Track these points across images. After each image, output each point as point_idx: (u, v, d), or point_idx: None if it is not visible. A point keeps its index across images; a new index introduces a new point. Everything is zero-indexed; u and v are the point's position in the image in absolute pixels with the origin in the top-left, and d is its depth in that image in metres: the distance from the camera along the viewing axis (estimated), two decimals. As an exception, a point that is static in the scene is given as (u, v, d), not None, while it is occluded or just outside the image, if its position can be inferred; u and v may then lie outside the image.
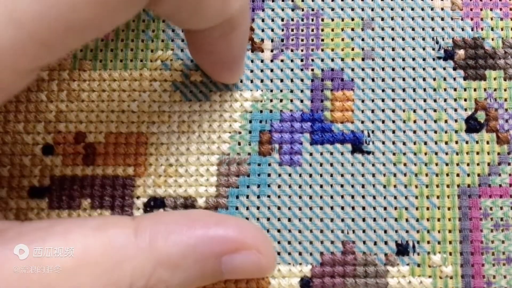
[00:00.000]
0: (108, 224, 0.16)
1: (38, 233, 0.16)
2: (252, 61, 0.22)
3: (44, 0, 0.14)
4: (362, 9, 0.22)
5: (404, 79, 0.21)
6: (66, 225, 0.16)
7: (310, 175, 0.21)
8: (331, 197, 0.21)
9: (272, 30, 0.22)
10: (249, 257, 0.17)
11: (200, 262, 0.17)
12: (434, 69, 0.21)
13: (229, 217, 0.20)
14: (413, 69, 0.21)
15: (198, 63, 0.21)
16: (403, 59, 0.21)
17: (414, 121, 0.21)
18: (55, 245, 0.15)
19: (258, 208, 0.20)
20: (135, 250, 0.16)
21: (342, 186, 0.21)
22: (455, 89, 0.21)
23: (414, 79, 0.21)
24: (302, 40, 0.22)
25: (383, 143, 0.21)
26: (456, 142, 0.21)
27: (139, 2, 0.15)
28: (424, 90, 0.21)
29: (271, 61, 0.22)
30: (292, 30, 0.22)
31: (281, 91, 0.21)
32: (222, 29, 0.18)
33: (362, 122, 0.21)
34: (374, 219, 0.20)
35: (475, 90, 0.21)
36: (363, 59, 0.22)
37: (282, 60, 0.22)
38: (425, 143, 0.21)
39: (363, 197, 0.21)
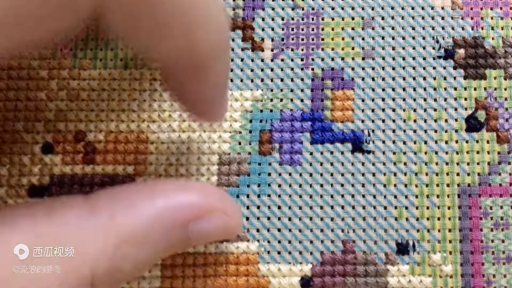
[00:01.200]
0: (58, 207, 0.15)
1: None
2: (252, 60, 0.22)
3: None
4: (363, 8, 0.22)
5: (404, 78, 0.21)
6: (13, 216, 0.15)
7: (311, 174, 0.21)
8: (332, 196, 0.21)
9: (273, 29, 0.22)
10: (215, 221, 0.17)
11: (166, 233, 0.16)
12: (434, 68, 0.21)
13: (190, 183, 0.19)
14: (414, 68, 0.21)
15: (172, 98, 0.20)
16: (404, 58, 0.21)
17: (415, 120, 0.21)
18: (4, 236, 0.14)
19: (258, 207, 0.20)
20: (93, 230, 0.15)
21: (342, 185, 0.21)
22: (455, 88, 0.21)
23: (414, 78, 0.21)
24: (303, 39, 0.22)
25: (384, 142, 0.21)
26: (456, 141, 0.21)
27: (69, 10, 0.14)
28: (425, 89, 0.21)
29: (272, 60, 0.22)
30: (293, 29, 0.22)
31: (282, 90, 0.21)
32: (189, 72, 0.16)
33: (363, 121, 0.21)
34: (375, 218, 0.20)
35: (475, 89, 0.21)
36: (363, 58, 0.22)
37: (282, 60, 0.22)
38: (425, 142, 0.21)
39: (363, 196, 0.21)
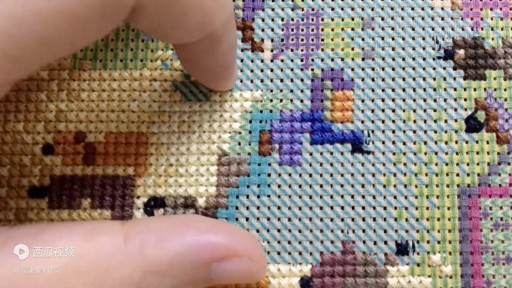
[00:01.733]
0: (98, 230, 0.16)
1: (25, 239, 0.16)
2: (252, 61, 0.22)
3: (13, 16, 0.13)
4: (362, 9, 0.22)
5: (404, 79, 0.21)
6: (54, 232, 0.16)
7: (310, 175, 0.21)
8: (331, 196, 0.21)
9: (272, 29, 0.22)
10: (239, 265, 0.17)
11: (190, 270, 0.16)
12: (434, 68, 0.21)
13: (221, 223, 0.19)
14: (413, 68, 0.21)
15: (190, 74, 0.21)
16: (403, 59, 0.21)
17: (414, 121, 0.21)
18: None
19: (258, 207, 0.21)
20: (124, 257, 0.16)
21: (342, 185, 0.21)
22: (455, 89, 0.21)
23: (414, 79, 0.21)
24: (302, 40, 0.22)
25: (383, 142, 0.21)
26: (456, 142, 0.21)
27: (112, 20, 0.15)
28: (424, 89, 0.21)
29: (271, 61, 0.22)
30: (292, 29, 0.22)
31: (281, 91, 0.21)
32: (206, 44, 0.18)
33: (362, 122, 0.21)
34: (374, 219, 0.20)
35: (475, 89, 0.21)
36: (363, 59, 0.22)
37: (282, 60, 0.22)
38: (425, 143, 0.21)
39: (363, 196, 0.21)
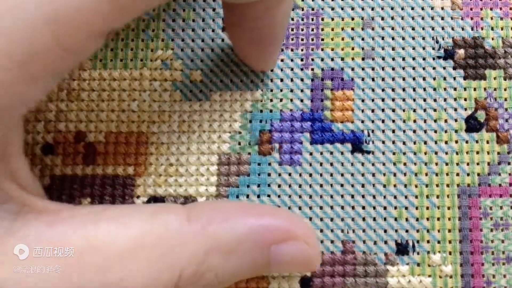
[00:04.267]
0: (163, 209, 0.17)
1: (91, 215, 0.16)
2: (252, 60, 0.22)
3: None
4: (362, 9, 0.22)
5: (404, 79, 0.21)
6: (120, 209, 0.17)
7: (310, 175, 0.21)
8: (331, 196, 0.21)
9: (272, 29, 0.22)
10: (297, 247, 0.17)
11: (250, 251, 0.17)
12: (434, 68, 0.21)
13: (279, 209, 0.20)
14: (413, 68, 0.21)
15: (234, 44, 0.20)
16: (403, 59, 0.21)
17: (414, 121, 0.21)
18: (109, 228, 0.16)
19: (258, 207, 0.21)
20: (188, 235, 0.16)
21: (342, 185, 0.21)
22: (455, 89, 0.21)
23: (414, 79, 0.21)
24: (302, 39, 0.22)
25: (383, 142, 0.21)
26: (456, 142, 0.21)
27: None
28: (424, 89, 0.21)
29: (271, 60, 0.22)
30: (292, 29, 0.22)
31: (281, 90, 0.21)
32: (269, 1, 0.17)
33: (362, 121, 0.21)
34: (374, 219, 0.20)
35: (475, 89, 0.21)
36: (363, 59, 0.22)
37: (282, 60, 0.22)
38: (425, 143, 0.21)
39: (363, 196, 0.21)
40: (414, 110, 0.21)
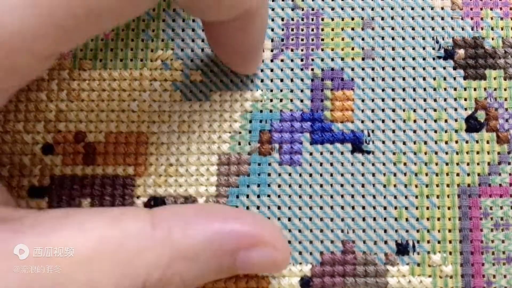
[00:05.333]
0: (125, 215, 0.16)
1: (54, 222, 0.16)
2: (252, 60, 0.22)
3: None
4: (362, 9, 0.22)
5: (404, 79, 0.21)
6: (82, 215, 0.16)
7: (310, 175, 0.21)
8: (331, 196, 0.21)
9: (272, 29, 0.22)
10: (265, 253, 0.17)
11: (216, 257, 0.17)
12: (434, 68, 0.21)
13: (246, 212, 0.20)
14: (413, 68, 0.21)
15: (216, 54, 0.21)
16: (403, 59, 0.21)
17: (414, 121, 0.21)
18: (70, 235, 0.15)
19: (258, 207, 0.20)
20: (151, 241, 0.16)
21: (342, 185, 0.21)
22: (455, 89, 0.21)
23: (414, 79, 0.21)
24: (302, 39, 0.22)
25: (383, 142, 0.21)
26: (456, 142, 0.21)
27: None
28: (424, 89, 0.21)
29: (271, 60, 0.22)
30: (292, 29, 0.22)
31: (281, 90, 0.21)
32: (241, 21, 0.17)
33: (362, 121, 0.21)
34: (374, 219, 0.20)
35: (475, 89, 0.21)
36: (363, 59, 0.22)
37: (282, 60, 0.22)
38: (425, 143, 0.21)
39: (363, 196, 0.21)
40: (414, 110, 0.21)
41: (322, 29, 0.22)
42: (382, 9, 0.22)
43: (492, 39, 0.22)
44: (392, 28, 0.22)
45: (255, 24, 0.18)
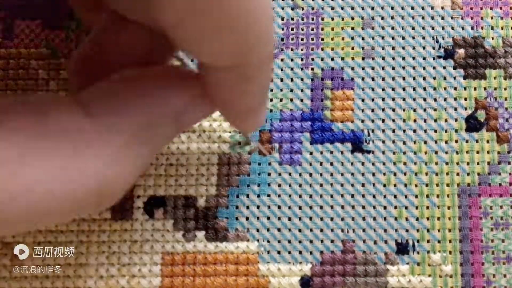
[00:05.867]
0: (50, 110, 0.14)
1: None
2: (252, 60, 0.22)
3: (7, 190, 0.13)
4: (362, 8, 0.22)
5: (404, 78, 0.21)
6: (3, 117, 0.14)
7: (310, 174, 0.21)
8: (331, 196, 0.21)
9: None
10: (201, 110, 0.17)
11: (162, 132, 0.16)
12: (434, 68, 0.21)
13: (172, 70, 0.17)
14: (413, 68, 0.21)
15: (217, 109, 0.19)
16: (403, 58, 0.21)
17: (414, 120, 0.21)
18: None
19: (258, 207, 0.21)
20: (94, 136, 0.14)
21: (342, 185, 0.21)
22: (455, 88, 0.21)
23: (414, 78, 0.21)
24: (302, 39, 0.22)
25: (383, 142, 0.21)
26: (456, 141, 0.21)
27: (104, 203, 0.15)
28: (424, 89, 0.21)
29: (271, 60, 0.22)
30: (292, 29, 0.22)
31: (281, 90, 0.21)
32: (237, 75, 0.15)
33: (362, 121, 0.21)
34: (374, 218, 0.20)
35: (475, 89, 0.21)
36: (363, 58, 0.22)
37: (282, 59, 0.22)
38: (425, 142, 0.21)
39: (363, 196, 0.21)
40: (414, 110, 0.21)
41: (322, 29, 0.22)
42: (382, 8, 0.22)
43: (492, 38, 0.22)
44: (392, 28, 0.22)
45: (252, 86, 0.16)
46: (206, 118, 0.17)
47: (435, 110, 0.21)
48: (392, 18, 0.22)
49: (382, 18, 0.22)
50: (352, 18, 0.22)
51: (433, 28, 0.22)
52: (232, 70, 0.15)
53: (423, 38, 0.22)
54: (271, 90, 0.21)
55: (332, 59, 0.22)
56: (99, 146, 0.14)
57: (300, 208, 0.20)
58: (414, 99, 0.21)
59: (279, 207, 0.21)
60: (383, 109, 0.21)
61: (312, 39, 0.22)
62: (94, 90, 0.15)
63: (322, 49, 0.22)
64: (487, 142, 0.21)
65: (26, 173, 0.13)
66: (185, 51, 0.20)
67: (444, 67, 0.21)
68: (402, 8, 0.22)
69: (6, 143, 0.13)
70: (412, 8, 0.22)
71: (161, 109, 0.15)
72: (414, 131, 0.21)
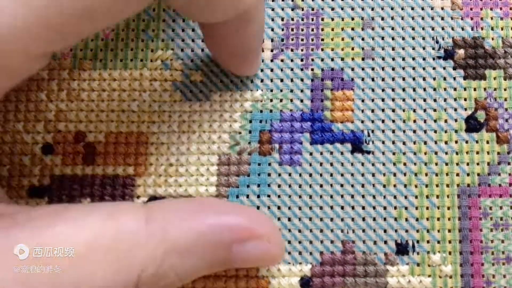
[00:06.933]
0: (119, 211, 0.16)
1: (48, 218, 0.16)
2: (252, 60, 0.22)
3: None
4: (362, 9, 0.22)
5: (404, 79, 0.21)
6: (76, 211, 0.16)
7: (310, 175, 0.21)
8: (331, 196, 0.21)
9: (272, 29, 0.22)
10: (259, 246, 0.17)
11: (210, 250, 0.17)
12: (434, 68, 0.21)
13: (240, 206, 0.20)
14: (413, 68, 0.21)
15: (213, 56, 0.21)
16: (403, 59, 0.21)
17: (414, 121, 0.21)
18: (65, 231, 0.15)
19: (258, 207, 0.21)
20: (146, 236, 0.16)
21: (342, 185, 0.21)
22: (455, 89, 0.21)
23: (414, 79, 0.21)
24: (302, 39, 0.22)
25: (383, 142, 0.21)
26: (456, 142, 0.21)
27: None
28: (424, 89, 0.21)
29: (271, 60, 0.22)
30: (292, 29, 0.22)
31: (281, 90, 0.21)
32: (236, 23, 0.17)
33: (362, 121, 0.21)
34: (374, 219, 0.20)
35: (475, 89, 0.21)
36: (363, 59, 0.22)
37: (282, 60, 0.22)
38: (425, 143, 0.21)
39: (363, 196, 0.21)
40: (414, 110, 0.21)
41: (322, 29, 0.22)
42: (382, 9, 0.22)
43: (492, 39, 0.22)
44: (392, 28, 0.22)
45: (251, 26, 0.18)
46: None
47: (435, 110, 0.21)
48: (392, 18, 0.22)
49: (382, 19, 0.22)
50: (352, 19, 0.22)
51: (433, 29, 0.22)
52: (231, 20, 0.17)
53: (423, 38, 0.22)
54: (271, 91, 0.21)
55: (332, 59, 0.22)
56: None
57: (299, 208, 0.21)
58: (414, 100, 0.21)
59: (278, 207, 0.21)
60: (383, 110, 0.21)
61: (312, 40, 0.22)
62: (163, 202, 0.18)
63: (322, 50, 0.22)
64: (487, 142, 0.21)
65: None
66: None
67: (444, 68, 0.21)
68: (402, 9, 0.22)
69: None
70: (412, 8, 0.22)
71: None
72: (414, 131, 0.21)
